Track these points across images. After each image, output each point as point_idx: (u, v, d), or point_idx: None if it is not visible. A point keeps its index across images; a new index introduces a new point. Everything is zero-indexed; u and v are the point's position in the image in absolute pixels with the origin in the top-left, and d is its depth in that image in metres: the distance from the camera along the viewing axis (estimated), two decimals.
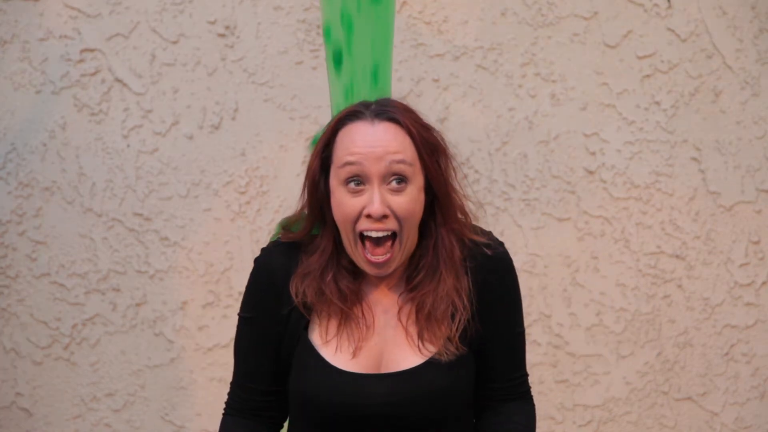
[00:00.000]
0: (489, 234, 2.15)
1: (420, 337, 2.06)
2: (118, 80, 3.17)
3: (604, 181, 3.29)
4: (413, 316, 2.07)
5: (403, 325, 2.08)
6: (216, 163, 3.20)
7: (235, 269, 3.19)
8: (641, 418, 3.33)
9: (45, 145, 3.16)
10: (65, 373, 3.19)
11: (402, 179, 2.01)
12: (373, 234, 2.01)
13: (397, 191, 2.01)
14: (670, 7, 3.29)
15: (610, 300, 3.30)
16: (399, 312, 2.08)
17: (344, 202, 2.01)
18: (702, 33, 3.30)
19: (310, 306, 2.08)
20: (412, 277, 2.08)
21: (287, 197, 3.20)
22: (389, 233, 2.02)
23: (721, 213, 3.33)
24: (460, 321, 2.06)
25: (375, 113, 2.03)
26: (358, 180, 2.00)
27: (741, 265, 3.35)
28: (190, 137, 3.19)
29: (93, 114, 3.17)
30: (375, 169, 1.99)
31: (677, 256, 3.32)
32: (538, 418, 3.31)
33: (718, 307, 3.35)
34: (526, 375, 2.18)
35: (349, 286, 2.07)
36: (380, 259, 2.03)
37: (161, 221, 3.19)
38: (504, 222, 3.26)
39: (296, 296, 2.07)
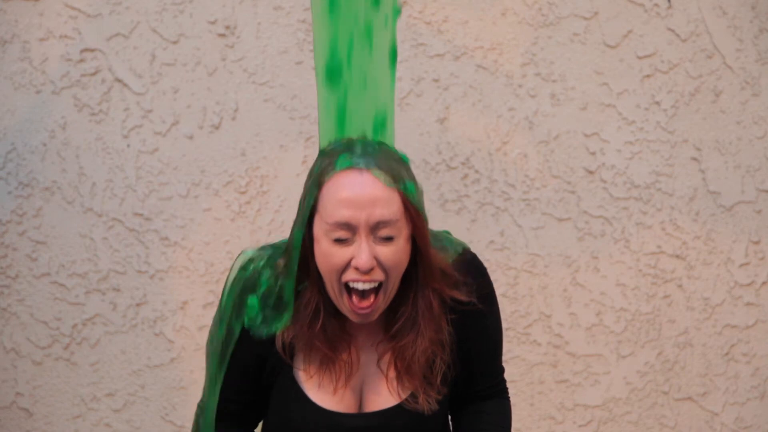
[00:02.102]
0: (453, 245, 2.12)
1: (399, 381, 2.07)
2: (118, 80, 3.17)
3: (604, 181, 3.29)
4: (392, 364, 2.07)
5: (383, 371, 2.08)
6: (216, 163, 3.20)
7: None
8: (641, 418, 3.33)
9: (45, 145, 3.16)
10: (65, 373, 3.19)
11: (390, 234, 1.98)
12: (360, 286, 1.98)
13: (384, 242, 1.97)
14: (670, 7, 3.29)
15: (610, 300, 3.30)
16: (379, 360, 2.08)
17: (331, 253, 1.98)
18: (702, 33, 3.30)
19: (293, 350, 2.07)
20: (391, 325, 2.06)
21: (287, 197, 3.20)
22: (375, 284, 1.99)
23: (721, 213, 3.33)
24: (439, 367, 2.06)
25: (363, 161, 1.98)
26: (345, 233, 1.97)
27: (741, 265, 3.35)
28: (190, 137, 3.19)
29: (93, 114, 3.17)
30: (363, 222, 1.95)
31: (677, 256, 3.32)
32: (538, 418, 3.31)
33: (718, 307, 3.35)
34: (503, 371, 2.19)
35: (336, 332, 2.05)
36: (366, 310, 2.00)
37: (161, 221, 3.19)
38: (504, 222, 3.26)
39: (283, 349, 2.06)
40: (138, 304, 3.19)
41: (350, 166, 1.97)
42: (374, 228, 1.96)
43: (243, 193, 3.21)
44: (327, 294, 2.03)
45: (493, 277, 3.24)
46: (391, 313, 2.05)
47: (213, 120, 3.20)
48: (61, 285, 3.18)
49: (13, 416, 3.19)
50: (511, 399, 3.28)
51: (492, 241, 3.26)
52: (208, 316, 3.19)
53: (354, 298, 1.99)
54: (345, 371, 2.06)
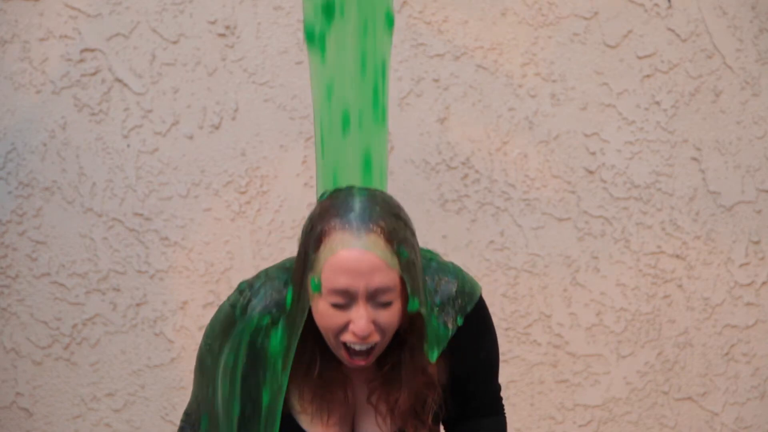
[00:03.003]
0: (466, 285, 2.11)
1: (391, 416, 2.06)
2: (118, 80, 3.17)
3: (604, 181, 3.29)
4: (383, 400, 2.07)
5: (373, 405, 2.08)
6: (216, 163, 3.20)
7: (235, 269, 3.19)
8: (641, 418, 3.33)
9: (45, 145, 3.16)
10: (65, 373, 3.19)
11: (389, 300, 1.96)
12: (357, 347, 1.97)
13: (382, 307, 1.96)
14: (670, 7, 3.29)
15: (610, 300, 3.30)
16: (370, 396, 2.08)
17: (328, 315, 1.96)
18: (702, 33, 3.30)
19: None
20: (382, 364, 2.06)
21: (287, 197, 3.20)
22: (372, 345, 1.98)
23: (721, 213, 3.33)
24: (431, 407, 2.06)
25: (362, 224, 1.94)
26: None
27: (741, 265, 3.35)
28: (190, 137, 3.19)
29: (93, 114, 3.18)
30: (362, 290, 1.93)
31: (677, 256, 3.32)
32: (538, 418, 3.31)
33: (718, 307, 3.35)
34: (499, 389, 2.18)
35: (331, 376, 2.05)
36: (361, 363, 2.00)
37: (161, 221, 3.19)
38: (504, 222, 3.26)
39: None
40: (138, 304, 3.19)
41: (351, 229, 1.94)
42: (373, 294, 1.94)
43: (243, 193, 3.21)
44: (322, 339, 2.01)
45: (492, 277, 3.26)
46: (382, 354, 2.05)
47: (213, 120, 3.20)
48: (61, 285, 3.18)
49: (13, 416, 3.19)
50: (511, 399, 3.28)
51: (492, 241, 3.26)
52: (208, 316, 3.19)
53: (351, 352, 1.99)
54: (339, 409, 2.07)
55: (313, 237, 1.96)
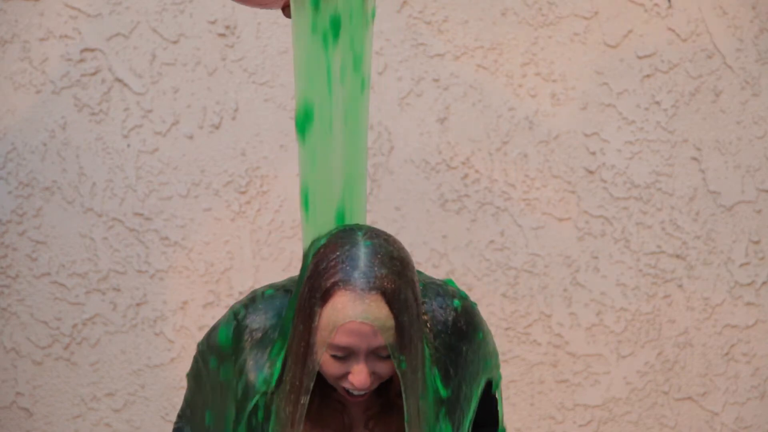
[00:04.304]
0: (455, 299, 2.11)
1: None
2: (118, 80, 3.17)
3: (605, 181, 3.29)
4: (380, 427, 2.08)
5: (369, 430, 2.09)
6: (216, 163, 3.20)
7: (235, 269, 3.19)
8: (641, 418, 3.33)
9: (45, 144, 3.17)
10: (65, 373, 3.19)
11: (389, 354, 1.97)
12: (355, 392, 1.99)
13: (383, 359, 1.97)
14: (670, 7, 3.29)
15: (610, 300, 3.31)
16: (367, 422, 2.08)
17: (328, 364, 1.97)
18: (702, 33, 3.30)
19: None
20: (380, 392, 2.07)
21: (287, 197, 3.20)
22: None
23: (722, 213, 3.33)
24: None
25: (366, 284, 1.93)
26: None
27: (741, 265, 3.35)
28: (190, 137, 3.19)
29: (93, 114, 3.18)
30: (364, 348, 1.94)
31: (677, 256, 3.33)
32: (538, 417, 3.31)
33: (718, 307, 3.35)
34: (497, 402, 2.18)
35: (328, 399, 2.06)
36: (359, 400, 2.02)
37: (161, 221, 3.19)
38: (504, 222, 3.26)
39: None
40: (138, 304, 3.19)
41: (354, 287, 1.93)
42: (374, 351, 1.95)
43: (243, 193, 3.21)
44: (319, 373, 2.02)
45: (493, 277, 3.26)
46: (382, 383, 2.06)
47: (213, 120, 3.20)
48: (61, 285, 3.18)
49: (13, 416, 3.19)
50: (511, 399, 3.28)
51: (492, 241, 3.26)
52: (208, 316, 3.20)
53: (349, 393, 2.01)
54: (335, 427, 2.07)
55: (316, 292, 1.95)
